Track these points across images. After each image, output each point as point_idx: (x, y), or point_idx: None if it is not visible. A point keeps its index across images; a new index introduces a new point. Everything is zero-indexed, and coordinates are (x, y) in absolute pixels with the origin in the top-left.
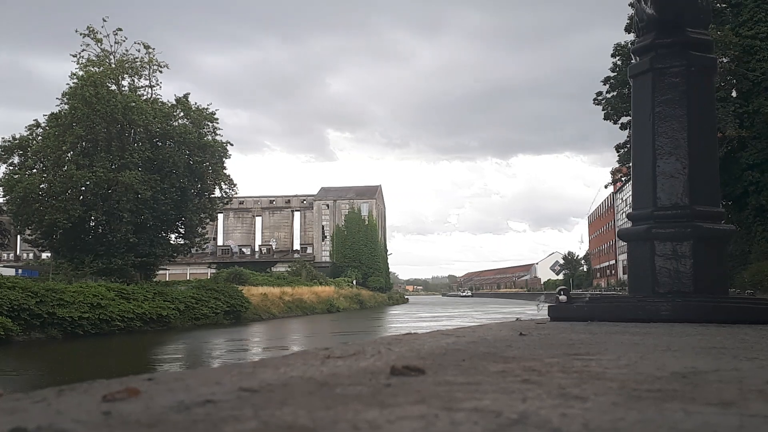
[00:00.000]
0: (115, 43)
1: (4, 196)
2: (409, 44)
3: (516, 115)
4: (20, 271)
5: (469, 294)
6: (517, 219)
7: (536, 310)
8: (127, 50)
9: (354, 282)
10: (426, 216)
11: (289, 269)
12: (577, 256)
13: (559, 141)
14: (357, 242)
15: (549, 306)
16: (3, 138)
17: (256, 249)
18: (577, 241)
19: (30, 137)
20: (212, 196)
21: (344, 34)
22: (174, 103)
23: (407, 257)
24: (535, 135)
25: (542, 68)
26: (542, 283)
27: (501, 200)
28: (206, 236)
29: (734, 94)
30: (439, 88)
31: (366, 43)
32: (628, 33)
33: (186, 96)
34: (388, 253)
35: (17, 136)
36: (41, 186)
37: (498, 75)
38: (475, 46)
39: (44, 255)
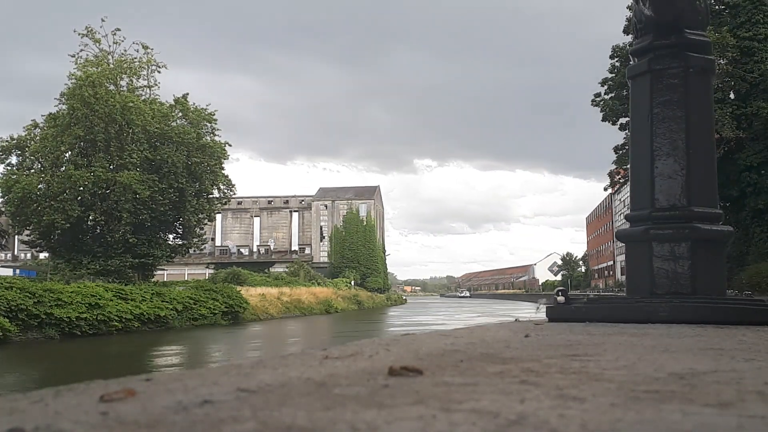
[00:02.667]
0: (114, 43)
1: (2, 197)
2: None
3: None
4: (18, 271)
5: (468, 295)
6: (453, 220)
7: (535, 311)
8: (125, 50)
9: (352, 283)
10: None
11: (287, 270)
12: (576, 257)
13: (425, 150)
14: (355, 243)
15: (547, 307)
16: (0, 138)
17: (254, 249)
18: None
19: (28, 137)
20: (210, 196)
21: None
22: (173, 103)
23: None
24: (406, 143)
25: (365, 82)
26: (540, 284)
27: (421, 203)
28: (204, 237)
29: (732, 95)
30: (287, 95)
31: (194, 45)
32: (626, 35)
33: (185, 96)
34: (386, 253)
35: (15, 136)
36: (39, 186)
37: (329, 87)
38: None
39: (42, 255)
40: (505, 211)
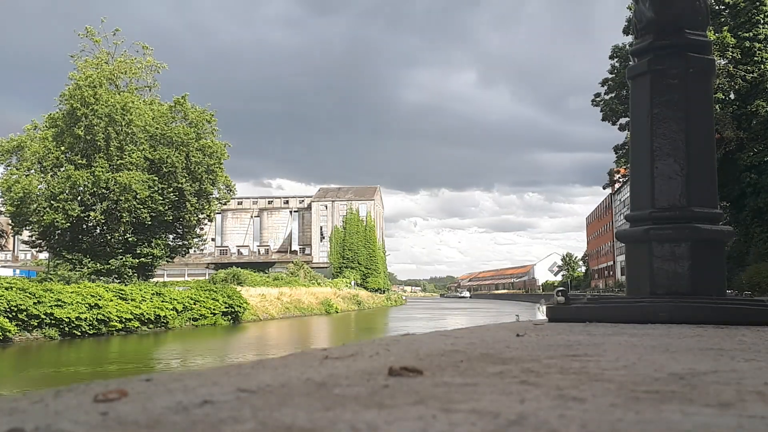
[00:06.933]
0: (114, 44)
1: (2, 197)
2: None
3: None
4: (17, 271)
5: (468, 296)
6: None
7: (536, 311)
8: (125, 51)
9: (353, 283)
10: None
11: (287, 270)
12: (576, 257)
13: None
14: (355, 243)
15: (547, 307)
16: (1, 138)
17: (254, 250)
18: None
19: (28, 138)
20: (211, 196)
21: None
22: (173, 104)
23: None
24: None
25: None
26: (540, 284)
27: None
28: (204, 237)
29: (732, 95)
30: None
31: None
32: (626, 35)
33: (184, 97)
34: (386, 254)
35: (15, 136)
36: (39, 186)
37: None
38: None
39: (42, 255)
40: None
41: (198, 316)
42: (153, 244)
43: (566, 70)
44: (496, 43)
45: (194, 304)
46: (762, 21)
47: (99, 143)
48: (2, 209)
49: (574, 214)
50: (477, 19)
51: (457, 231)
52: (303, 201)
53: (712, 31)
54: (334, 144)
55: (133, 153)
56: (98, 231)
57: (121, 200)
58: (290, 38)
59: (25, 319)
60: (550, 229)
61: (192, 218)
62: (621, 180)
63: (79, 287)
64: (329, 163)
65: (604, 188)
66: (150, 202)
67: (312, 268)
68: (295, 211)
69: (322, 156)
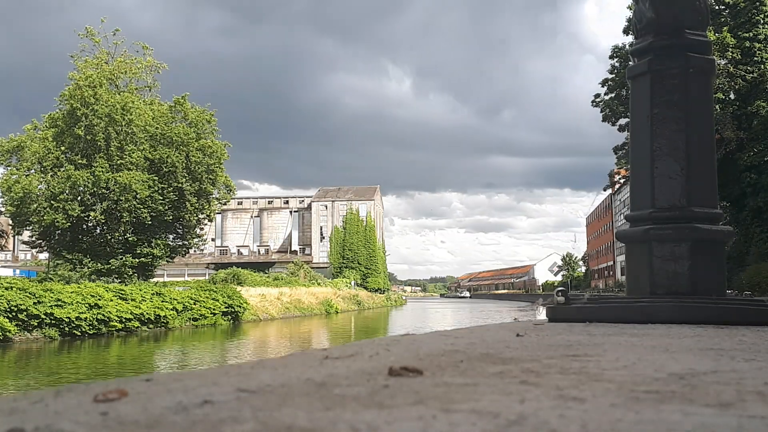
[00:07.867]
0: (114, 44)
1: (2, 197)
2: None
3: None
4: (18, 271)
5: (468, 296)
6: None
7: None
8: (125, 51)
9: (352, 283)
10: None
11: (287, 270)
12: (576, 257)
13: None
14: (355, 243)
15: (547, 307)
16: (1, 139)
17: (254, 250)
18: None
19: (28, 138)
20: (210, 196)
21: None
22: (172, 104)
23: None
24: None
25: None
26: (540, 284)
27: None
28: (204, 237)
29: (732, 95)
30: None
31: None
32: (626, 35)
33: (184, 97)
34: (386, 254)
35: (15, 136)
36: (39, 186)
37: None
38: None
39: (42, 255)
40: None
41: (198, 316)
42: (153, 244)
43: (494, 83)
44: (424, 53)
45: (194, 304)
46: (762, 21)
47: (99, 143)
48: (2, 209)
49: (547, 214)
50: (400, 28)
51: (437, 231)
52: (303, 201)
53: (712, 31)
54: (287, 148)
55: (133, 153)
56: (98, 231)
57: (121, 200)
58: (229, 47)
59: (25, 319)
60: (529, 230)
61: (192, 218)
62: (621, 180)
63: (79, 287)
64: (287, 167)
65: (604, 189)
66: (150, 202)
67: (312, 268)
68: (295, 211)
69: (280, 159)
